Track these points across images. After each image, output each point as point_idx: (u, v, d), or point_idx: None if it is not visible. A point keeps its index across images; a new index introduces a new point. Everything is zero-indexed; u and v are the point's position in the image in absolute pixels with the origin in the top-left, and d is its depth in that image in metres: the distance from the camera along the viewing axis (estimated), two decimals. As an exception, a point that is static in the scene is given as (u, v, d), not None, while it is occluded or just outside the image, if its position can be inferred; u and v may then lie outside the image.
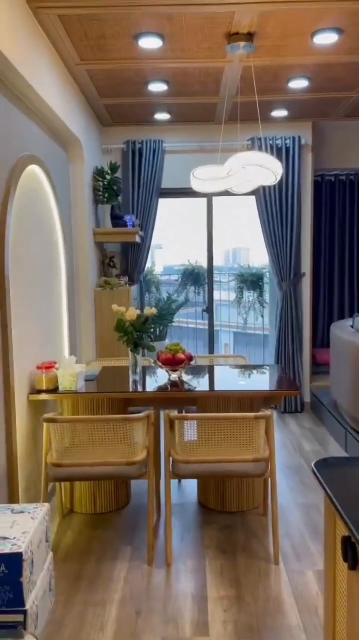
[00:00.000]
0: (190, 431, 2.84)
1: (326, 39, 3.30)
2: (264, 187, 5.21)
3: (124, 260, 5.48)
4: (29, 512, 2.04)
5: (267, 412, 2.78)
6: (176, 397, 3.24)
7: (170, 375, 3.47)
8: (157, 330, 5.78)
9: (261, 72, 3.88)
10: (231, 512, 3.37)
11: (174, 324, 6.41)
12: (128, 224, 5.05)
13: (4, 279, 2.74)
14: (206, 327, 6.02)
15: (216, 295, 6.52)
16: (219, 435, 2.78)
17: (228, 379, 3.54)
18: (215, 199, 5.66)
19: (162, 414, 3.54)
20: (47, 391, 3.16)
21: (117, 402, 3.30)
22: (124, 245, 5.45)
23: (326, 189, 6.01)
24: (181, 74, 3.95)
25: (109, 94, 4.37)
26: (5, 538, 1.83)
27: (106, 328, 4.79)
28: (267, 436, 2.85)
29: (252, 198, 5.41)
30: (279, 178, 3.20)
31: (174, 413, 2.94)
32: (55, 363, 3.28)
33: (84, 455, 2.80)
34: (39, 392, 3.16)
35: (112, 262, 5.29)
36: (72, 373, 3.14)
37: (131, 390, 3.24)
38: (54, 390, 3.17)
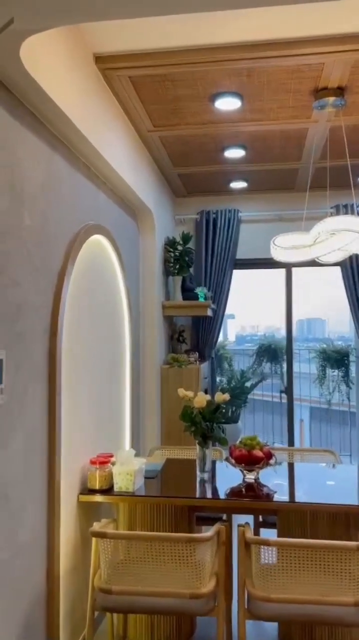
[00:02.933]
0: (271, 557, 2.25)
1: None
2: (351, 257, 4.72)
3: (194, 335, 5.09)
4: None
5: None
6: (251, 507, 2.66)
7: (244, 476, 2.92)
8: (229, 410, 5.24)
9: (350, 132, 3.50)
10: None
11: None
12: (199, 296, 4.69)
13: (55, 357, 2.38)
14: (281, 400, 5.40)
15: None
16: (308, 566, 2.17)
17: (315, 483, 2.92)
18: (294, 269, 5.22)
19: (235, 525, 2.96)
20: (101, 491, 2.70)
21: (181, 507, 2.77)
22: (194, 318, 5.07)
23: None
24: (260, 138, 3.66)
25: (183, 162, 4.16)
26: None
27: (173, 410, 4.32)
28: (372, 571, 2.19)
29: (330, 267, 4.92)
30: (377, 245, 2.72)
31: (250, 526, 2.37)
32: (112, 456, 2.83)
33: (138, 579, 2.26)
34: (91, 491, 2.70)
35: (182, 336, 4.90)
36: (129, 471, 2.67)
37: (197, 494, 2.70)
38: (109, 490, 2.70)
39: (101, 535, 2.25)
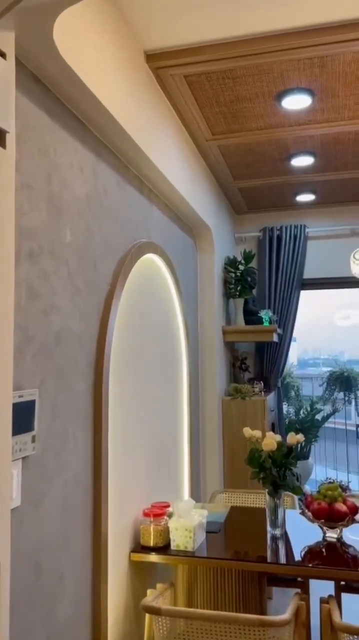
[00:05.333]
0: (366, 650, 1.78)
1: None
2: None
3: (258, 362, 4.66)
4: None
5: None
6: (336, 577, 2.19)
7: (325, 533, 2.45)
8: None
9: None
10: None
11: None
12: (264, 320, 4.28)
13: (101, 394, 2.05)
14: (357, 429, 4.84)
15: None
16: None
17: None
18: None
19: (313, 590, 2.50)
20: (156, 548, 2.32)
21: (250, 571, 2.34)
22: (258, 344, 4.65)
23: None
24: (331, 142, 3.26)
25: (244, 174, 3.81)
26: None
27: (236, 447, 3.90)
28: None
29: None
30: None
31: (335, 602, 1.92)
32: (168, 506, 2.46)
33: (199, 667, 1.85)
34: (145, 548, 2.33)
35: (244, 364, 4.49)
36: (188, 526, 2.28)
37: (269, 556, 2.27)
38: (166, 548, 2.32)
39: (154, 611, 1.86)
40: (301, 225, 4.63)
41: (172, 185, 2.81)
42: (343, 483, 4.84)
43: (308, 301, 5.18)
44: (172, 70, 2.38)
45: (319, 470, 6.77)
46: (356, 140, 3.25)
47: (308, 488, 4.81)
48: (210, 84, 2.53)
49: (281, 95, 2.64)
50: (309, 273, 4.67)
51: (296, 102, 2.69)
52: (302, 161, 3.52)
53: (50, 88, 1.77)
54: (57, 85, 1.75)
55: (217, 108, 2.79)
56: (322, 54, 2.27)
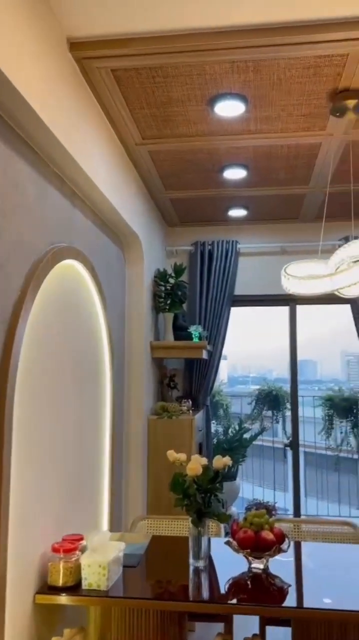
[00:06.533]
0: None
1: None
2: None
3: (187, 380, 4.51)
4: None
5: None
6: (260, 613, 2.04)
7: (251, 564, 2.29)
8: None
9: (368, 150, 3.05)
10: None
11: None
12: (194, 336, 4.14)
13: (3, 412, 1.79)
14: (284, 447, 4.79)
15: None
16: None
17: (341, 573, 2.30)
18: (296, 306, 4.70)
19: (236, 627, 2.32)
20: (66, 588, 2.06)
21: (170, 612, 2.13)
22: (188, 361, 4.50)
23: None
24: (265, 155, 3.19)
25: (176, 184, 3.68)
26: None
27: (162, 470, 3.69)
28: None
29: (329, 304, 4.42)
30: None
31: (258, 637, 1.75)
32: (81, 539, 2.21)
33: None
34: (53, 589, 2.06)
35: (173, 381, 4.31)
36: (101, 563, 2.05)
37: (190, 592, 2.08)
38: (76, 587, 2.07)
39: (55, 667, 1.61)
40: (232, 241, 4.56)
41: (98, 188, 2.62)
42: (270, 504, 4.76)
43: (238, 318, 5.12)
44: (98, 62, 2.20)
45: (246, 488, 6.70)
46: (288, 156, 3.20)
47: (234, 510, 4.67)
48: (140, 81, 2.38)
49: (213, 100, 2.52)
50: (239, 289, 4.60)
51: (229, 109, 2.58)
52: (234, 174, 3.43)
53: None
54: None
55: (148, 110, 2.63)
56: (257, 57, 2.17)
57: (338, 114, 2.53)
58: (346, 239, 4.37)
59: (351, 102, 2.43)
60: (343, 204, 3.89)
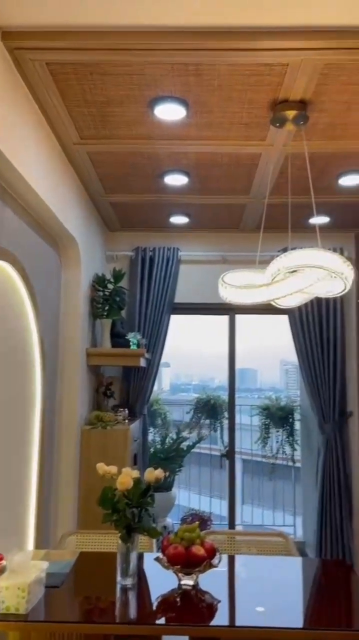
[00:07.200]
0: None
1: None
2: (299, 307, 4.26)
3: (124, 388, 4.41)
4: None
5: None
6: (189, 633, 1.96)
7: (180, 580, 2.22)
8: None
9: (310, 161, 3.07)
10: None
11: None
12: (132, 343, 4.05)
13: None
14: (220, 455, 4.77)
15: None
16: None
17: (268, 587, 2.27)
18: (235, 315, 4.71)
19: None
20: (-20, 613, 1.91)
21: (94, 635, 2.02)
22: (125, 369, 4.40)
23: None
24: (206, 163, 3.16)
25: (116, 188, 3.59)
26: None
27: (94, 482, 3.56)
28: None
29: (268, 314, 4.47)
30: (349, 285, 2.21)
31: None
32: (1, 559, 2.07)
33: None
34: (-35, 614, 1.91)
35: (109, 390, 4.20)
36: (21, 585, 1.91)
37: (117, 613, 1.98)
38: (-9, 612, 1.92)
39: None
40: (174, 248, 4.52)
41: (31, 187, 2.50)
42: (205, 514, 4.72)
43: (180, 326, 5.08)
44: (32, 54, 2.09)
45: (184, 496, 6.64)
46: (229, 164, 3.18)
47: (169, 521, 4.60)
48: (77, 78, 2.28)
49: (153, 102, 2.46)
50: (180, 297, 4.55)
51: (170, 113, 2.53)
52: (176, 180, 3.39)
53: None
54: None
55: (86, 108, 2.54)
56: (197, 60, 2.13)
57: (277, 125, 2.54)
58: (285, 250, 4.42)
59: (290, 113, 2.43)
60: (283, 215, 3.92)
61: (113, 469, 2.34)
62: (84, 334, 3.74)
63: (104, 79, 2.29)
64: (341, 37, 1.97)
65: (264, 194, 3.57)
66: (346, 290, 2.25)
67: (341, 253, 4.40)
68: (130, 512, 2.24)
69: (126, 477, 2.23)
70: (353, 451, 4.33)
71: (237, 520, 4.94)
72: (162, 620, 1.93)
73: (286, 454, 5.17)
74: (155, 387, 5.16)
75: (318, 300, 4.31)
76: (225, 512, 5.04)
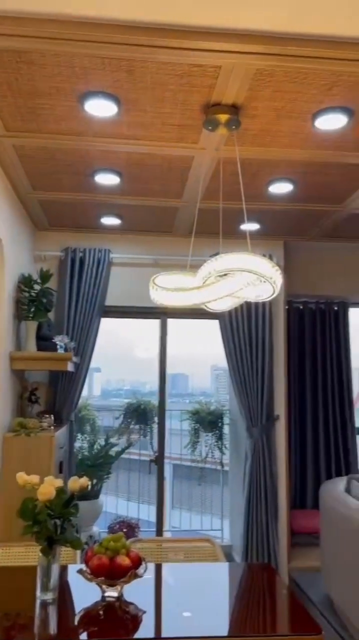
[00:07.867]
0: None
1: (331, 121, 2.56)
2: (230, 312, 4.30)
3: (51, 393, 4.25)
4: None
5: None
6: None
7: (104, 592, 2.14)
8: (89, 485, 4.40)
9: (241, 167, 3.09)
10: None
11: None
12: (59, 347, 3.91)
13: None
14: (149, 460, 4.71)
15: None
16: None
17: (195, 595, 2.23)
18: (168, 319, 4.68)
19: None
20: None
21: (9, 655, 1.89)
22: (52, 374, 4.25)
23: (294, 317, 5.21)
24: (138, 164, 3.11)
25: (45, 185, 3.46)
26: None
27: (16, 492, 3.38)
28: None
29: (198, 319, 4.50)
30: (277, 290, 2.23)
31: None
32: None
33: None
34: None
35: (35, 395, 4.03)
36: None
37: (35, 632, 1.87)
38: None
39: None
40: (105, 250, 4.43)
41: None
42: (133, 521, 4.64)
43: (111, 330, 4.98)
44: None
45: (111, 503, 6.52)
46: (162, 166, 3.15)
47: (95, 530, 4.48)
48: (1, 65, 2.16)
49: (83, 97, 2.38)
50: (111, 300, 4.46)
51: (101, 109, 2.46)
52: (107, 179, 3.31)
53: None
54: None
55: (12, 99, 2.42)
56: (128, 56, 2.08)
57: (210, 128, 2.53)
58: (216, 256, 4.45)
59: (223, 117, 2.43)
60: (215, 220, 3.93)
61: (34, 478, 2.23)
62: (8, 336, 3.56)
63: (30, 69, 2.18)
64: (272, 43, 1.98)
65: (196, 198, 3.57)
66: (274, 295, 2.26)
67: (271, 259, 4.49)
68: (52, 524, 2.14)
69: (48, 487, 2.13)
70: (279, 455, 4.40)
71: (166, 526, 4.90)
72: (84, 636, 1.85)
73: (214, 458, 5.20)
74: (85, 393, 5.03)
75: (248, 305, 4.37)
76: (154, 518, 4.99)
